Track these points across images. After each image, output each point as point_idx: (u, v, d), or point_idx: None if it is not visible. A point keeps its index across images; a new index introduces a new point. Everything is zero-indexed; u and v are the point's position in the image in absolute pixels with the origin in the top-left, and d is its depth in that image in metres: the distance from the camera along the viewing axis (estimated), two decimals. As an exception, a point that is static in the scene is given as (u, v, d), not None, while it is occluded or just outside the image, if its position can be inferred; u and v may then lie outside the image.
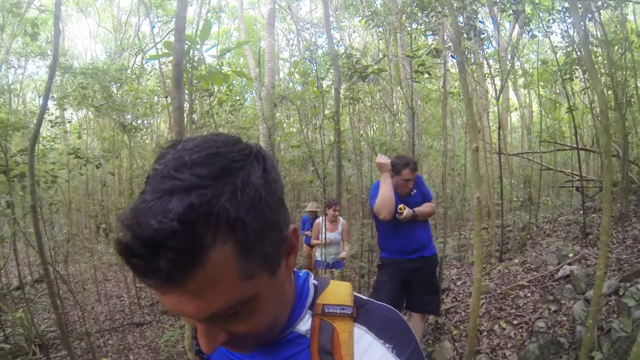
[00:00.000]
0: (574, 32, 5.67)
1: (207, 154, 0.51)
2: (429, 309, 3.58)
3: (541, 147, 7.75)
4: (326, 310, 0.66)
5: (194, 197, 0.46)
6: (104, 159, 4.75)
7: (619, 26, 6.19)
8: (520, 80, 10.07)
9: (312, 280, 0.73)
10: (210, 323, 0.54)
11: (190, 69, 3.20)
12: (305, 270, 0.76)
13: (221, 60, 4.74)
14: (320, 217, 5.59)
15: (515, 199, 8.15)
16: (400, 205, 3.37)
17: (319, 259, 5.43)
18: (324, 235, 5.05)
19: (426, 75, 5.05)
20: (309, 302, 0.69)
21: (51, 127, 6.91)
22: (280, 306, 0.63)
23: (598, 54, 6.23)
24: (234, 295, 0.51)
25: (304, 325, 0.66)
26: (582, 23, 2.57)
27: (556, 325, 3.72)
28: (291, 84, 10.70)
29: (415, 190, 3.50)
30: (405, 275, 3.45)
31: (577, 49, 5.95)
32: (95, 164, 4.38)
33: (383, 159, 3.38)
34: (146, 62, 10.77)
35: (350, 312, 0.65)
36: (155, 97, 9.95)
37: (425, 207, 3.51)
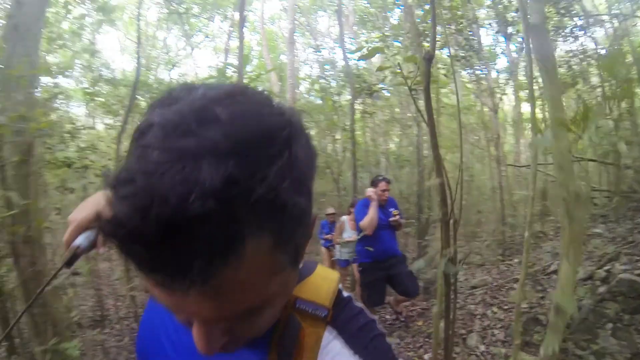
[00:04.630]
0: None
1: (243, 110, 0.40)
2: (414, 292, 4.78)
3: (546, 159, 8.50)
4: (297, 305, 0.59)
5: (232, 167, 0.35)
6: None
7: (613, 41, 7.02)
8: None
9: None
10: (216, 323, 0.46)
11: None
12: None
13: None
14: (343, 218, 6.15)
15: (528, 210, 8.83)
16: (395, 211, 4.67)
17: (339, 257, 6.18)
18: (346, 234, 5.75)
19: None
20: None
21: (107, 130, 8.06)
22: (286, 300, 0.56)
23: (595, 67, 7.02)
24: (260, 294, 0.44)
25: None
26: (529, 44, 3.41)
27: (537, 306, 4.51)
28: (311, 97, 11.73)
29: (392, 208, 4.73)
30: (387, 272, 4.62)
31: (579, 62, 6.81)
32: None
33: (371, 192, 4.61)
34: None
35: (323, 315, 0.59)
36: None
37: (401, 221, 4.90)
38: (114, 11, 5.49)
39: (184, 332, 0.59)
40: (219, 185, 0.34)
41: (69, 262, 0.80)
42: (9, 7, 3.99)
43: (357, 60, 8.12)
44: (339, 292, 0.64)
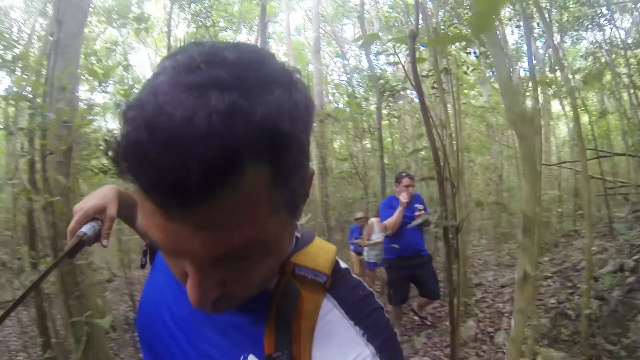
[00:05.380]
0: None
1: (250, 56, 0.44)
2: (436, 295, 4.82)
3: (572, 156, 8.40)
4: (296, 272, 0.59)
5: (236, 96, 0.38)
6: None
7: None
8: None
9: (296, 233, 0.65)
10: (210, 271, 0.46)
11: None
12: None
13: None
14: (372, 220, 6.08)
15: (560, 209, 8.78)
16: (420, 206, 4.66)
17: (366, 259, 6.20)
18: (375, 235, 5.76)
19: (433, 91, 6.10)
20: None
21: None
22: (281, 261, 0.57)
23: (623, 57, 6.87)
24: (256, 231, 0.44)
25: (273, 282, 0.59)
26: (554, 42, 3.48)
27: (566, 301, 4.50)
28: (339, 105, 11.96)
29: (417, 204, 4.71)
30: (412, 271, 4.65)
31: (604, 55, 6.69)
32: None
33: (404, 198, 4.60)
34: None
35: (323, 281, 0.59)
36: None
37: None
38: (148, 20, 5.81)
39: (182, 303, 0.64)
40: (223, 108, 0.37)
41: (73, 251, 0.79)
42: (50, 25, 4.36)
43: (363, 50, 8.33)
44: (337, 262, 0.64)
